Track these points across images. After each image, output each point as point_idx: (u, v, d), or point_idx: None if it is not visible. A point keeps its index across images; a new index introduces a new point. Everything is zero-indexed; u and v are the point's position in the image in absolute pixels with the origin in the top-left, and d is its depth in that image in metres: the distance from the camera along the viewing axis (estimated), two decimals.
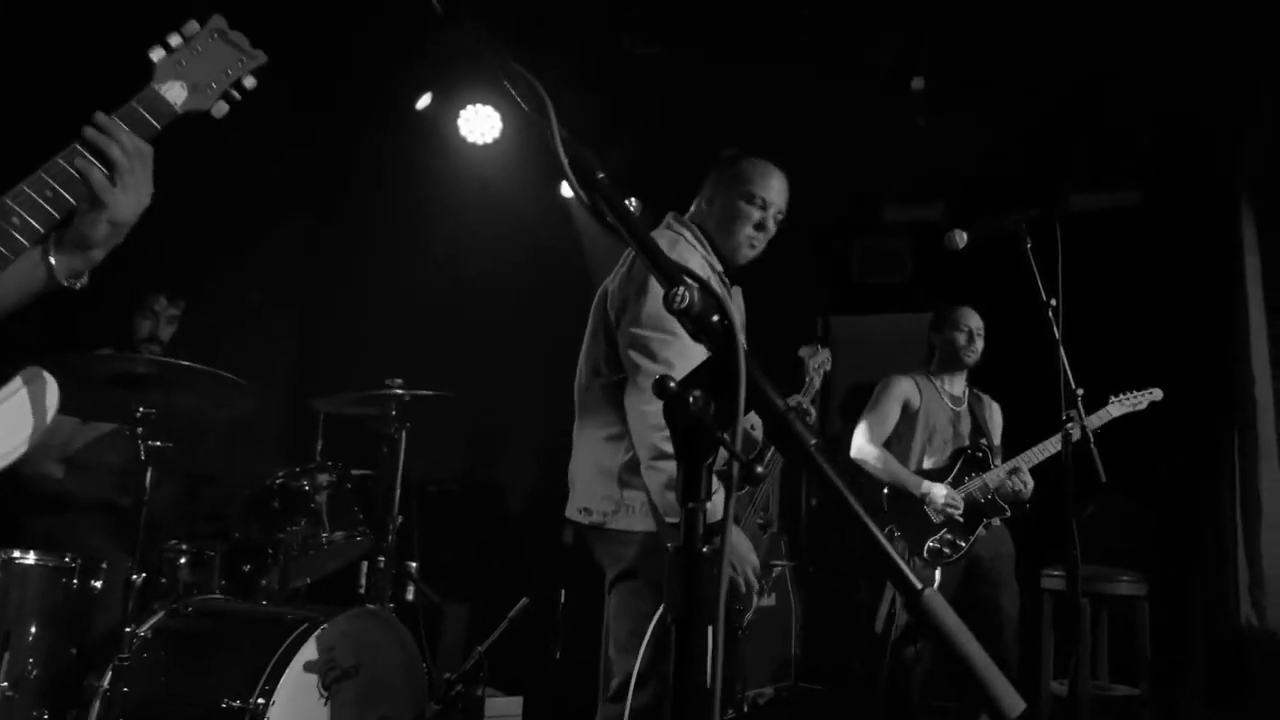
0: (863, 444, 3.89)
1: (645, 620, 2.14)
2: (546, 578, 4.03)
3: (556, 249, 5.27)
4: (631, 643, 2.18)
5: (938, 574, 3.79)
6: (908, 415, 3.95)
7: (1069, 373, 2.93)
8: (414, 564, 3.92)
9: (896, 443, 3.97)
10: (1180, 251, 5.12)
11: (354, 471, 3.39)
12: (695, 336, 0.85)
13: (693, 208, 2.54)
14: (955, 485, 3.83)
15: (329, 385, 3.48)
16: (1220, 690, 4.60)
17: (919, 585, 0.76)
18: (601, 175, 0.92)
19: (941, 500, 3.75)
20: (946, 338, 4.00)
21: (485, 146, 5.18)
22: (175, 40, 1.48)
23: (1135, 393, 3.98)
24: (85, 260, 1.37)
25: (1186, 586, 4.82)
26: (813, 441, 0.80)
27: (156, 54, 1.46)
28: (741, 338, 0.83)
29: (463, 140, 5.14)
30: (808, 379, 2.77)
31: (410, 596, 3.91)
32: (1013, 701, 0.72)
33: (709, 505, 2.20)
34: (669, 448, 2.12)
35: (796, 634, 5.52)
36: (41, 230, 1.31)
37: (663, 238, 2.42)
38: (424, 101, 4.92)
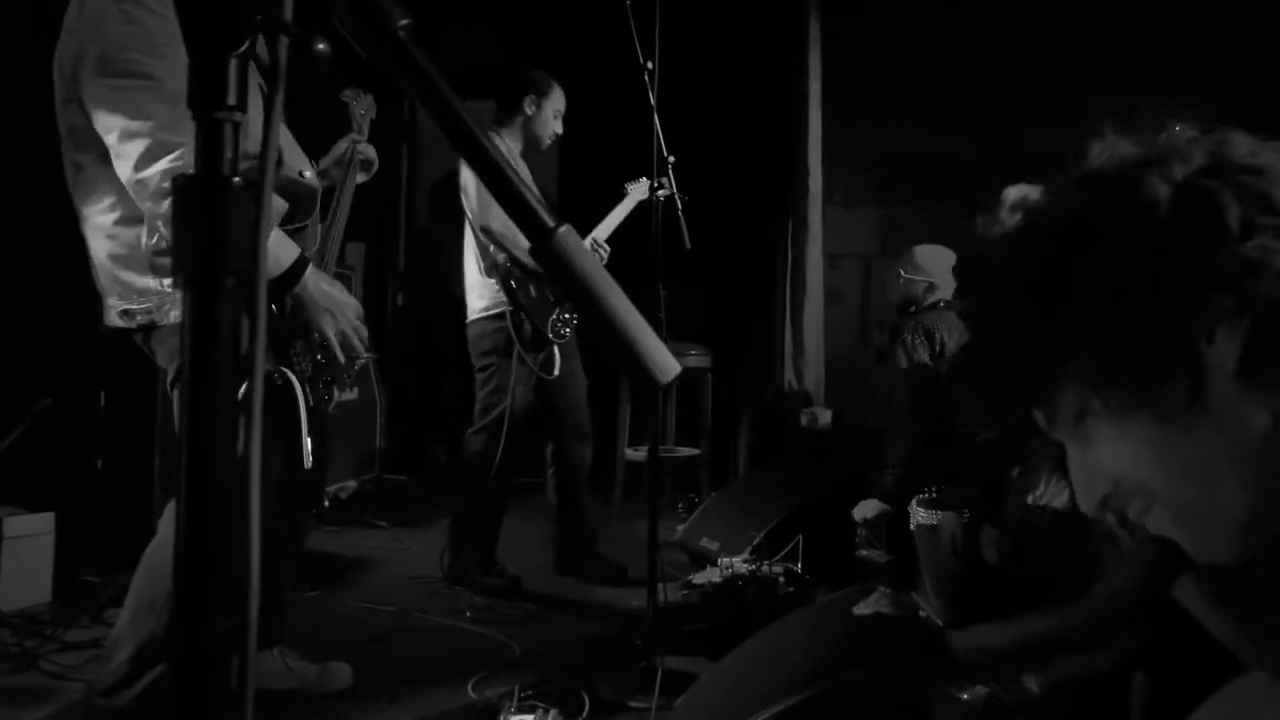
0: (484, 210, 3.50)
1: None
2: (77, 378, 3.39)
3: None
4: None
5: (557, 352, 3.73)
6: None
7: (662, 139, 2.90)
8: None
9: None
10: (753, 46, 5.37)
11: None
12: None
13: None
14: None
15: None
16: (764, 445, 5.24)
17: (551, 223, 0.56)
18: None
19: None
20: (545, 116, 3.69)
21: None
22: None
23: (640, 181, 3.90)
24: None
25: (741, 357, 5.34)
26: (402, 22, 0.54)
27: None
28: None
29: None
30: (355, 123, 2.58)
31: None
32: (666, 365, 0.56)
33: (272, 245, 1.88)
34: None
35: (381, 427, 5.37)
36: None
37: None
38: None
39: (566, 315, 3.66)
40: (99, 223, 1.96)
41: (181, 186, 0.51)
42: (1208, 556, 0.72)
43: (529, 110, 3.69)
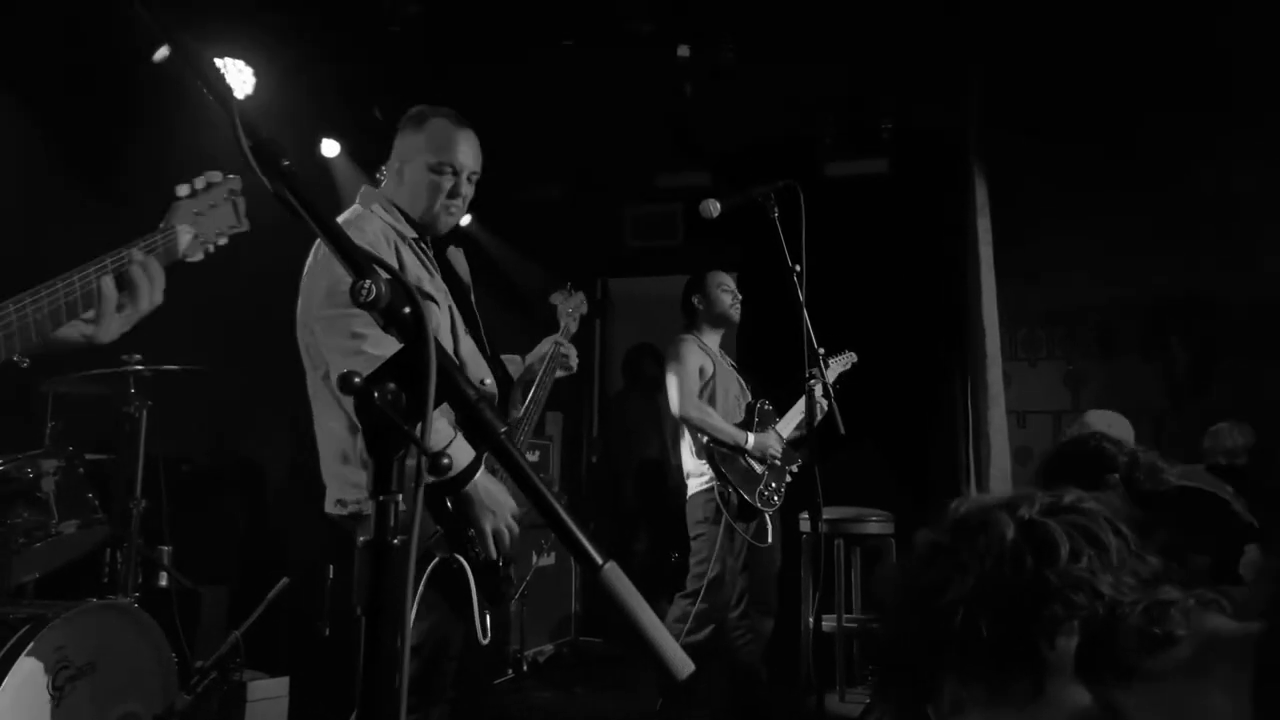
0: (684, 401, 3.91)
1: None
2: (311, 555, 3.90)
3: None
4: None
5: (769, 520, 3.99)
6: (704, 378, 4.01)
7: (812, 333, 3.14)
8: (166, 549, 3.70)
9: None
10: (922, 214, 5.58)
11: (89, 456, 3.14)
12: (385, 329, 0.85)
13: (384, 179, 2.47)
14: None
15: (58, 364, 3.20)
16: None
17: (599, 560, 0.80)
18: (287, 163, 0.90)
19: (770, 448, 3.92)
20: (713, 298, 4.09)
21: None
22: (200, 184, 1.57)
23: (840, 355, 4.18)
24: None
25: (925, 522, 5.30)
26: (502, 429, 0.82)
27: (182, 190, 1.55)
28: (433, 327, 0.83)
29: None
30: (563, 323, 2.81)
31: (163, 583, 3.69)
32: (682, 663, 0.78)
33: (453, 446, 2.18)
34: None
35: (576, 591, 5.65)
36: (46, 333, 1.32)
37: (350, 214, 2.38)
38: (161, 54, 4.50)
39: (774, 485, 3.93)
40: (327, 426, 2.33)
41: (361, 549, 0.79)
42: None
43: (699, 305, 4.13)
